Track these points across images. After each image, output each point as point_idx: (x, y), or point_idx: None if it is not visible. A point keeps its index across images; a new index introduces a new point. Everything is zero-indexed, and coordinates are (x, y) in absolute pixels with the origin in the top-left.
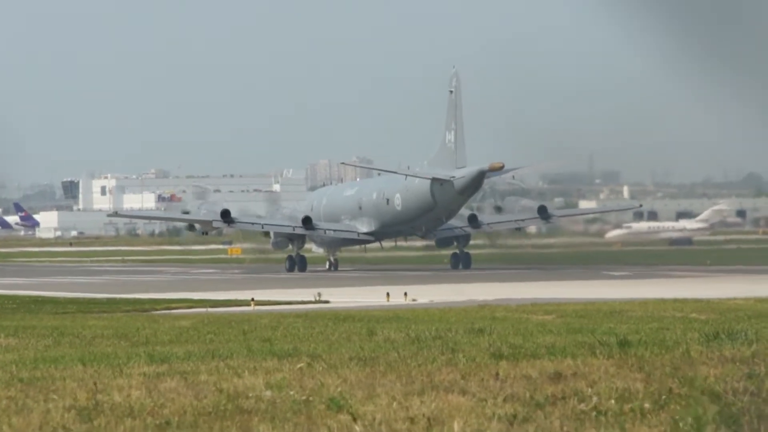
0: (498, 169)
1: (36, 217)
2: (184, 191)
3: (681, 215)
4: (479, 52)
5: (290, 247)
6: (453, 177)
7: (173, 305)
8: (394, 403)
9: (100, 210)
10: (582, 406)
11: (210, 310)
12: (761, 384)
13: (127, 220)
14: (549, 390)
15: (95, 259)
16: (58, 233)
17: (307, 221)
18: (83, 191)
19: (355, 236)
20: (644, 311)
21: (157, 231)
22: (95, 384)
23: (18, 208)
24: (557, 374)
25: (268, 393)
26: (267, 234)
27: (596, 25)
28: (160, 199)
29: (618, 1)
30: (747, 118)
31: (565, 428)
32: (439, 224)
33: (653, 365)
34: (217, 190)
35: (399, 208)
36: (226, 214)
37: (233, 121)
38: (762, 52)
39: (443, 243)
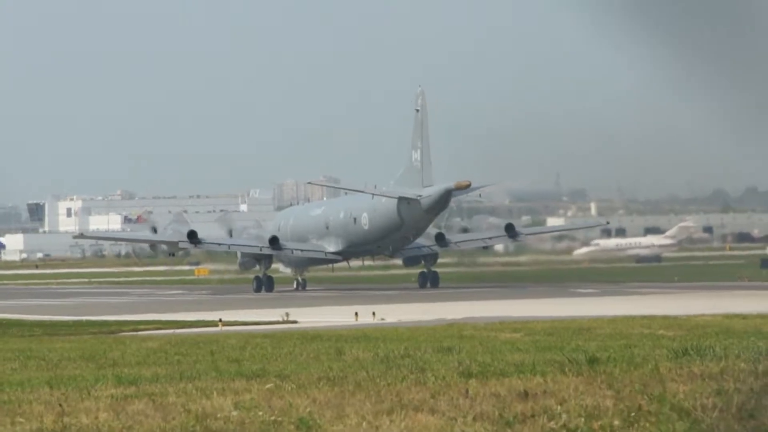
0: (465, 188)
1: (1, 239)
2: (150, 212)
3: (648, 232)
4: (446, 71)
5: (257, 267)
6: (420, 196)
7: (140, 327)
8: (364, 423)
9: (66, 232)
10: (551, 424)
11: (177, 331)
12: (730, 400)
13: (93, 241)
14: (518, 408)
15: (61, 281)
16: (24, 255)
17: (274, 241)
18: (49, 213)
19: (322, 256)
20: (613, 328)
21: (123, 252)
22: (62, 407)
23: None
24: (526, 392)
25: (237, 414)
26: (235, 254)
27: (562, 41)
28: (126, 220)
29: (586, 13)
30: (714, 135)
31: None
32: (407, 243)
33: (622, 382)
34: (184, 211)
35: (366, 227)
36: (192, 235)
37: (199, 142)
38: (730, 69)
39: (411, 262)
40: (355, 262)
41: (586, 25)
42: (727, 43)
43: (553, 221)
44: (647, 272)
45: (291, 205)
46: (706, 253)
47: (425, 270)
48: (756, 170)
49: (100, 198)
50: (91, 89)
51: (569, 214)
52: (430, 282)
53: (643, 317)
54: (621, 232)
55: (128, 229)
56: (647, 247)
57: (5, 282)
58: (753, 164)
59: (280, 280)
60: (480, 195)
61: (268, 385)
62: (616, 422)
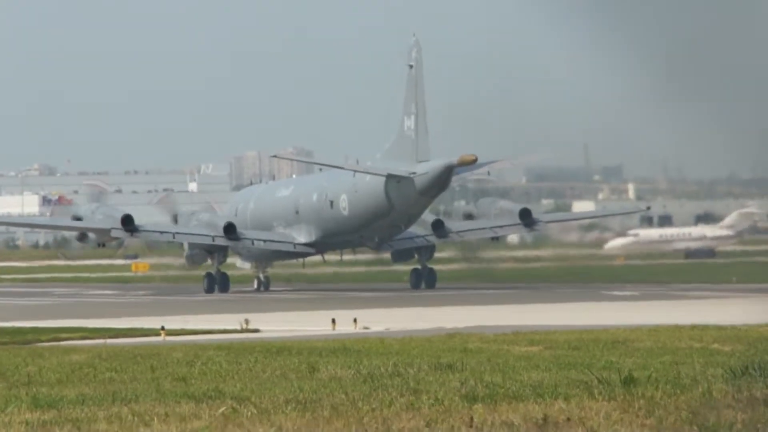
0: (470, 163)
1: None
2: (75, 192)
3: (700, 220)
4: (447, 15)
5: (209, 261)
6: (413, 173)
7: (63, 335)
8: None
9: None
10: None
11: (109, 341)
12: None
13: (3, 228)
14: None
15: None
16: None
17: (230, 229)
18: None
19: (290, 248)
20: (654, 341)
21: (41, 242)
22: None
23: None
24: (546, 420)
25: None
26: (181, 246)
27: None
28: (45, 201)
29: None
30: None
31: None
32: (397, 232)
33: (666, 409)
34: (118, 191)
35: (345, 212)
36: (128, 221)
37: (138, 106)
38: None
39: (401, 256)
40: (331, 256)
41: None
42: None
43: (580, 206)
44: (698, 270)
45: (252, 183)
46: None
47: (419, 266)
48: None
49: (12, 174)
50: (6, 47)
51: (601, 197)
52: (425, 281)
53: (693, 327)
54: (666, 220)
55: (47, 213)
56: (698, 239)
57: None
58: None
59: (237, 278)
60: (489, 173)
61: (222, 409)
62: None
